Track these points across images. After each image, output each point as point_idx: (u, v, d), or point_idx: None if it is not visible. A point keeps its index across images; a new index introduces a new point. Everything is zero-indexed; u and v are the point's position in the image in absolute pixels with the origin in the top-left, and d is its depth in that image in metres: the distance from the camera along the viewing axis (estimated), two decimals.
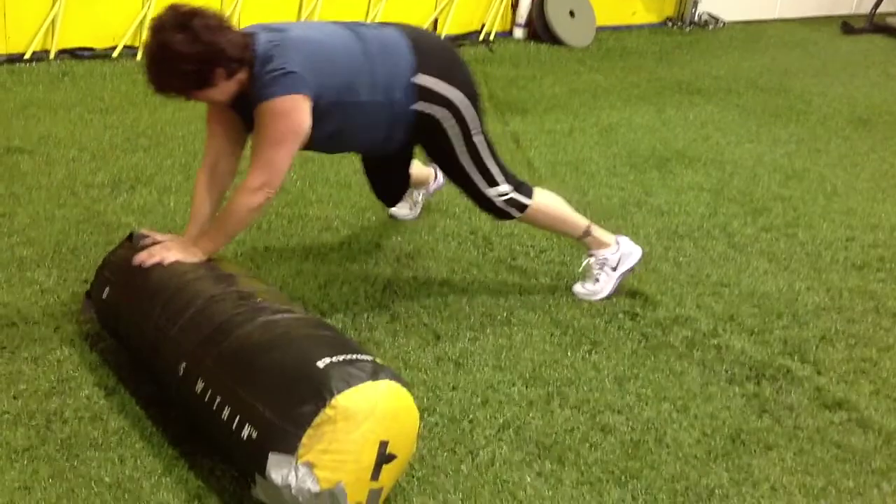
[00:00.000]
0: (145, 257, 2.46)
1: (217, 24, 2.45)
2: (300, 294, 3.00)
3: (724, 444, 2.46)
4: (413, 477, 2.21)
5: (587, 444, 2.40)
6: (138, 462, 2.17)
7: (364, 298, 3.04)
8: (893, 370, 2.90)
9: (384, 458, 2.00)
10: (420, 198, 3.66)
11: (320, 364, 1.99)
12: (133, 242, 2.59)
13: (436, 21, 6.97)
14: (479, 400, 2.55)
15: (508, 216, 2.99)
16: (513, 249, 3.47)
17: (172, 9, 2.45)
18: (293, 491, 1.90)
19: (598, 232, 3.14)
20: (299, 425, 1.91)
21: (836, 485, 2.35)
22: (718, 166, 4.72)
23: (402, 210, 3.64)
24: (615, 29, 8.07)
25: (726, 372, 2.80)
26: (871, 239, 3.92)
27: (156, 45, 2.42)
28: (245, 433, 1.96)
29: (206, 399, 2.08)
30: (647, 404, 2.61)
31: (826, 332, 3.11)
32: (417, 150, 3.04)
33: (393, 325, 2.89)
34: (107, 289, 2.52)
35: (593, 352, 2.85)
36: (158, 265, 2.47)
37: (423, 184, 3.61)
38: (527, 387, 2.64)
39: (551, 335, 2.92)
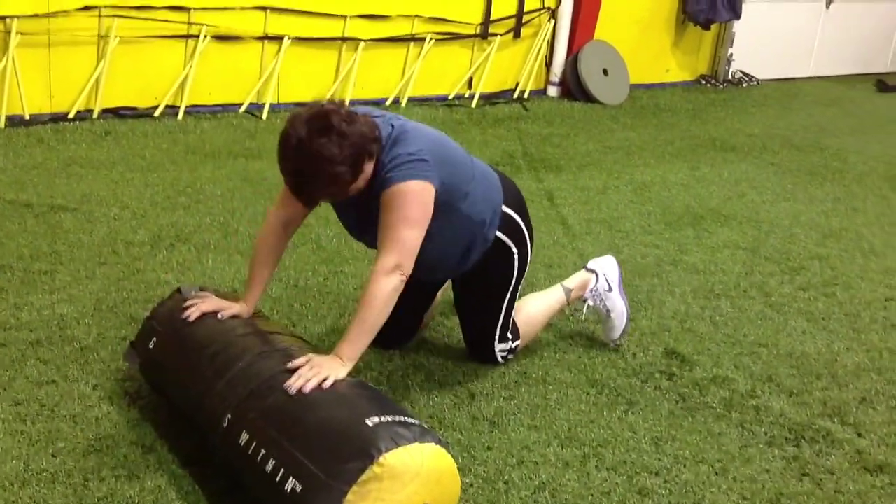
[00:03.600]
0: (301, 383, 2.17)
1: (347, 112, 2.37)
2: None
3: None
4: None
5: None
6: None
7: (399, 356, 3.04)
8: None
9: None
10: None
11: (369, 422, 2.00)
12: (183, 295, 2.61)
13: (471, 79, 7.06)
14: (514, 460, 2.54)
15: (499, 365, 3.01)
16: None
17: (297, 118, 2.34)
18: None
19: (573, 282, 3.17)
20: (345, 481, 1.91)
21: None
22: (754, 224, 4.70)
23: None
24: (649, 87, 8.12)
25: (765, 434, 2.77)
26: None
27: (302, 161, 2.31)
28: (289, 486, 1.97)
29: (249, 451, 2.09)
30: (684, 466, 2.58)
31: (866, 393, 3.06)
32: None
33: (428, 384, 2.89)
34: (153, 339, 2.55)
35: (629, 412, 2.83)
36: (206, 319, 2.49)
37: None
38: (562, 447, 2.62)
39: (587, 394, 2.91)
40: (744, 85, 8.70)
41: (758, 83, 8.79)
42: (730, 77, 8.71)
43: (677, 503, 2.41)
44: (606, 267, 3.21)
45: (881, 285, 4.01)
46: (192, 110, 5.86)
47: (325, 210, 3.08)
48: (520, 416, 2.76)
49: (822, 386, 3.08)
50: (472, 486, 2.41)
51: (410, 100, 6.67)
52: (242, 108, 6.03)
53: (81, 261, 3.54)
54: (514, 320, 2.99)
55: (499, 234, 2.75)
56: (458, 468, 2.23)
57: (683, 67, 8.57)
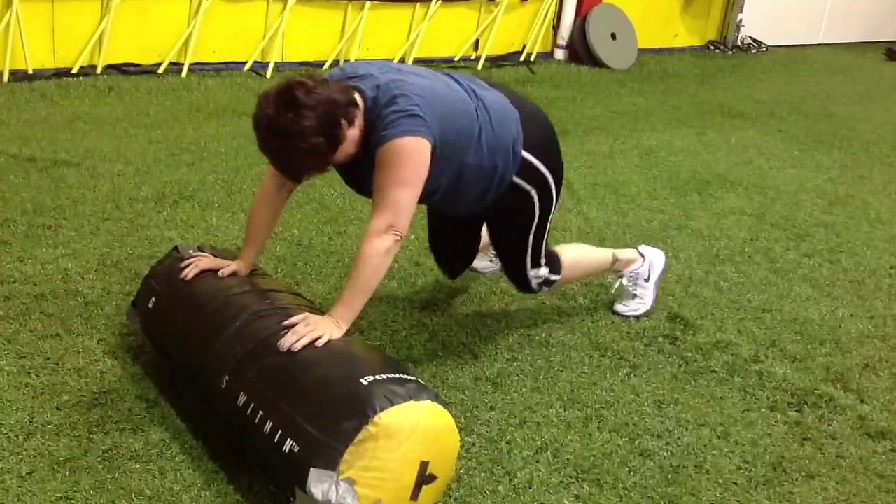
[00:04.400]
0: (294, 340, 2.17)
1: (314, 83, 2.31)
2: None
3: (766, 472, 2.43)
4: (450, 497, 2.20)
5: (626, 469, 2.38)
6: (178, 475, 2.18)
7: (403, 317, 3.04)
8: None
9: (424, 478, 2.00)
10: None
11: (364, 381, 2.00)
12: (181, 254, 2.61)
13: (477, 41, 7.00)
14: (516, 421, 2.54)
15: (535, 293, 3.00)
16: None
17: (265, 97, 2.31)
18: None
19: (622, 254, 3.17)
20: (342, 441, 1.91)
21: None
22: (760, 191, 4.68)
23: (480, 263, 3.36)
24: (657, 52, 8.06)
25: (768, 398, 2.77)
26: None
27: (275, 139, 2.29)
28: (287, 447, 1.97)
29: (248, 412, 2.09)
30: (686, 429, 2.59)
31: (869, 359, 3.06)
32: None
33: (431, 344, 2.89)
34: (153, 299, 2.55)
35: (632, 375, 2.83)
36: (204, 277, 2.49)
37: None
38: (565, 409, 2.62)
39: (590, 357, 2.91)
40: (753, 51, 8.64)
41: (767, 49, 8.73)
42: (739, 43, 8.65)
43: (679, 465, 2.42)
44: (655, 258, 3.23)
45: (886, 253, 4.00)
46: (196, 68, 5.82)
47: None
48: (523, 378, 2.76)
49: (825, 352, 3.08)
50: (474, 445, 2.41)
51: (416, 61, 6.62)
52: (247, 67, 5.99)
53: (85, 216, 3.53)
54: (553, 252, 2.93)
55: (515, 179, 2.65)
56: (461, 428, 2.24)
57: (692, 32, 8.50)
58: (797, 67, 8.27)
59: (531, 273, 2.88)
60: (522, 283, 2.93)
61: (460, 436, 2.14)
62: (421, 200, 2.49)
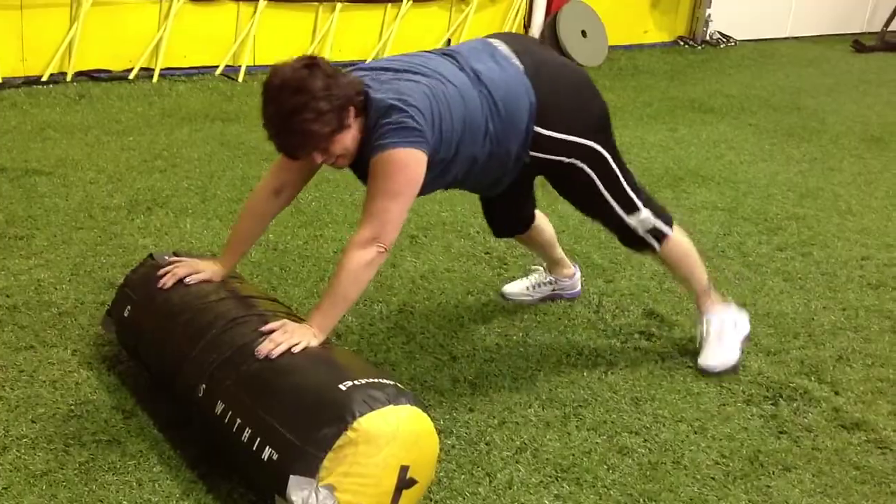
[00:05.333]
0: (271, 347, 2.15)
1: (330, 66, 2.30)
2: None
3: (743, 466, 2.45)
4: (431, 500, 2.21)
5: (605, 466, 2.40)
6: (156, 486, 2.17)
7: (380, 319, 3.04)
8: None
9: (404, 482, 2.00)
10: (547, 284, 3.26)
11: (342, 387, 2.00)
12: (156, 261, 2.60)
13: (449, 41, 7.00)
14: (495, 422, 2.55)
15: (649, 248, 2.81)
16: (528, 270, 3.47)
17: (282, 64, 2.29)
18: None
19: (714, 290, 2.97)
20: (321, 447, 1.91)
21: None
22: (732, 185, 4.72)
23: (515, 288, 3.27)
24: (627, 48, 8.09)
25: (743, 392, 2.80)
26: (887, 258, 3.91)
27: (286, 94, 2.22)
28: (266, 454, 1.97)
29: (226, 420, 2.08)
30: (664, 426, 2.60)
31: (843, 351, 3.09)
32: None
33: (409, 346, 2.90)
34: (128, 307, 2.54)
35: (609, 372, 2.85)
36: (180, 285, 2.47)
37: (558, 268, 3.25)
38: (543, 408, 2.63)
39: (567, 356, 2.92)
40: (722, 46, 8.69)
41: (735, 44, 8.79)
42: (708, 38, 8.70)
43: (657, 461, 2.44)
44: (741, 314, 2.99)
45: (857, 244, 4.04)
46: (168, 73, 5.79)
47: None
48: (501, 378, 2.77)
49: (799, 345, 3.11)
50: (454, 447, 2.42)
51: None
52: (218, 71, 5.97)
53: (58, 225, 3.50)
54: (657, 203, 2.79)
55: (536, 154, 2.55)
56: (440, 430, 2.25)
57: (662, 28, 8.55)
58: (766, 61, 8.33)
59: (630, 220, 2.73)
60: (626, 235, 2.79)
61: (439, 438, 2.15)
62: (433, 187, 2.48)
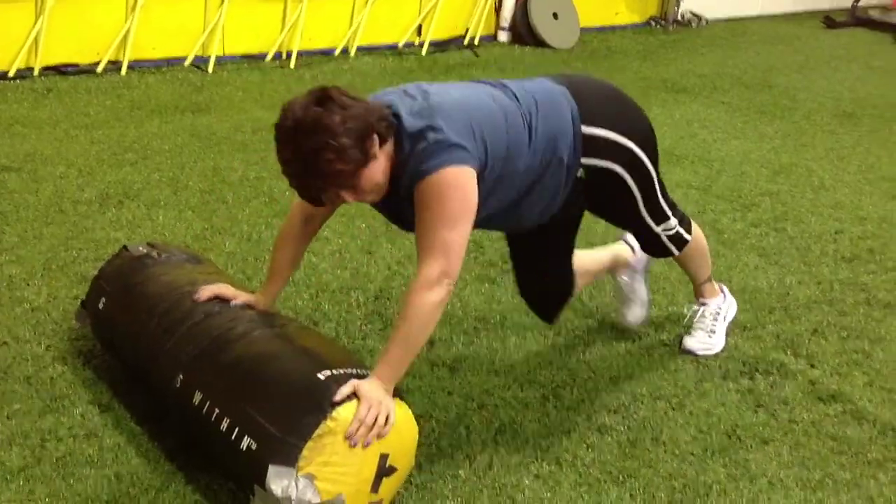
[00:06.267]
0: (364, 433, 1.96)
1: (347, 92, 2.10)
2: (292, 304, 3.00)
3: (721, 440, 2.47)
4: (412, 484, 2.21)
5: (584, 445, 2.41)
6: (135, 478, 2.16)
7: (356, 307, 3.03)
8: (886, 361, 2.91)
9: (384, 470, 2.00)
10: (637, 283, 3.01)
11: (321, 376, 1.99)
12: (130, 252, 2.57)
13: (420, 27, 6.98)
14: (474, 405, 2.55)
15: (669, 254, 2.72)
16: (504, 253, 3.47)
17: (293, 101, 2.07)
18: (293, 503, 1.90)
19: (711, 291, 2.95)
20: (300, 437, 1.91)
21: (833, 477, 2.36)
22: (706, 164, 4.73)
23: (633, 311, 3.01)
24: (599, 30, 8.10)
25: (720, 368, 2.81)
26: (860, 231, 3.94)
27: (302, 135, 2.01)
28: (244, 445, 1.96)
29: (203, 411, 2.07)
30: (642, 403, 2.61)
31: (818, 325, 3.12)
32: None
33: (386, 333, 2.89)
34: (103, 299, 2.51)
35: (587, 353, 2.86)
36: (155, 276, 2.45)
37: (621, 266, 3.00)
38: (522, 390, 2.64)
39: (545, 337, 2.93)
40: (693, 25, 8.71)
41: (707, 23, 8.81)
42: (679, 18, 8.71)
43: (636, 439, 2.45)
44: (731, 300, 3.00)
45: (830, 219, 4.07)
46: (136, 65, 5.73)
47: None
48: (479, 361, 2.77)
49: (774, 319, 3.13)
50: (433, 431, 2.42)
51: (360, 49, 6.59)
52: (187, 62, 5.92)
53: (28, 221, 3.47)
54: (667, 196, 2.63)
55: (586, 161, 2.37)
56: (419, 415, 2.24)
57: (633, 10, 8.55)
58: (737, 40, 8.36)
59: (659, 229, 2.62)
60: (650, 243, 2.69)
61: (419, 423, 2.15)
62: (479, 225, 2.26)
